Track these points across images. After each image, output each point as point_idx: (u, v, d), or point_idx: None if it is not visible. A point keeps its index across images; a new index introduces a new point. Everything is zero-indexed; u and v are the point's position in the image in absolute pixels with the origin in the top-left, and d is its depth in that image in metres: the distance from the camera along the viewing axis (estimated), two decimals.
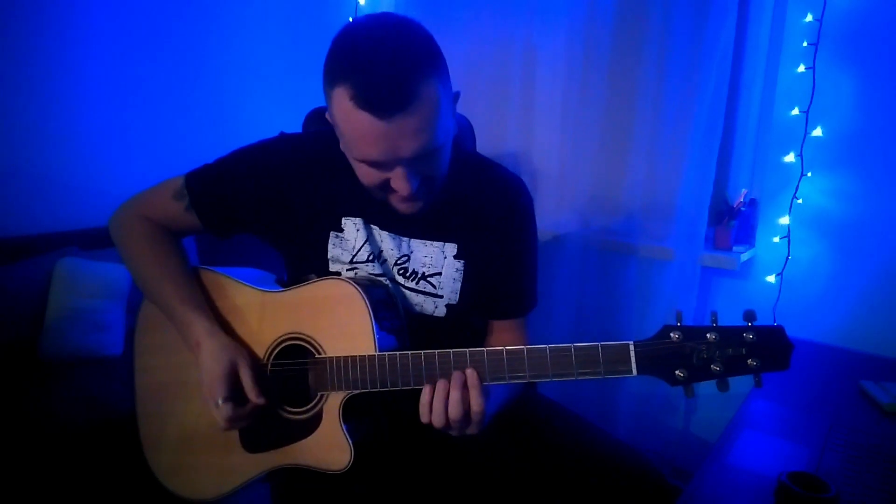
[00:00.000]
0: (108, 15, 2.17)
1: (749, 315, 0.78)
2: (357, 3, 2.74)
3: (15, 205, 2.02)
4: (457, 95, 0.94)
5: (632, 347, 0.79)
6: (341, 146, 0.92)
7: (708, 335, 0.77)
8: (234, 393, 0.92)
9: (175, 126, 2.41)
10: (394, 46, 0.80)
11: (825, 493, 0.80)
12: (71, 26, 2.09)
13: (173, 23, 2.36)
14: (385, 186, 0.89)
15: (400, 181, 0.86)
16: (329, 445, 0.91)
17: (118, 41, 2.21)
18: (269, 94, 2.69)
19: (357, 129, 0.81)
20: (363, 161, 0.86)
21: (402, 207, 0.93)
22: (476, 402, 0.83)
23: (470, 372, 0.84)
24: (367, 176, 0.89)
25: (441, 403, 0.84)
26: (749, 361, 0.76)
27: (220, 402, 0.90)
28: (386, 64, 0.78)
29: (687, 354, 0.77)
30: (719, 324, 0.78)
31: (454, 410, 0.83)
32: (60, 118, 2.11)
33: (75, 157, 2.15)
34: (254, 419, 0.94)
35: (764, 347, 0.76)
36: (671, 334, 0.78)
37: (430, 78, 0.81)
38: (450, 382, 0.84)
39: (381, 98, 0.78)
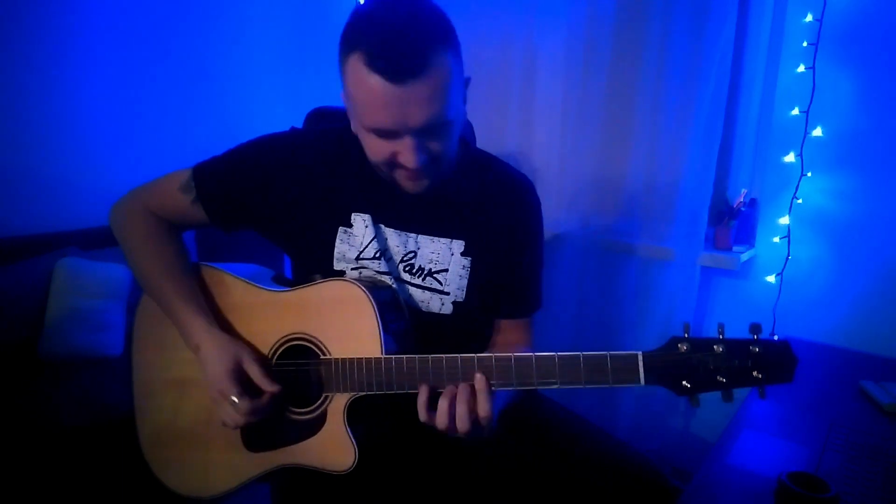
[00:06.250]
0: (109, 15, 2.17)
1: (755, 328, 0.78)
2: (357, 3, 2.73)
3: (15, 205, 2.02)
4: (467, 81, 0.94)
5: (640, 358, 0.79)
6: (353, 125, 0.91)
7: (715, 347, 0.77)
8: (244, 388, 0.91)
9: (175, 126, 2.41)
10: (409, 15, 0.81)
11: (825, 493, 0.80)
12: (71, 26, 2.09)
13: (174, 22, 2.36)
14: (392, 162, 0.89)
15: (407, 153, 0.86)
16: (333, 446, 0.91)
17: (119, 41, 2.21)
18: (270, 94, 2.69)
19: (368, 93, 0.82)
20: (373, 129, 0.86)
21: (409, 185, 0.93)
22: (484, 408, 0.82)
23: (479, 377, 0.83)
24: (376, 148, 0.88)
25: (445, 409, 0.83)
26: (754, 374, 0.76)
27: (234, 399, 0.90)
28: (401, 30, 0.80)
29: (693, 366, 0.78)
30: (726, 335, 0.78)
31: (462, 423, 0.83)
32: (61, 118, 2.11)
33: (75, 157, 2.15)
34: (269, 412, 0.94)
35: (769, 360, 0.76)
36: (679, 345, 0.79)
37: (444, 50, 0.82)
38: (457, 389, 0.84)
39: (394, 62, 0.79)
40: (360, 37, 0.81)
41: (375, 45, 0.79)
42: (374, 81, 0.80)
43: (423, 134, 0.85)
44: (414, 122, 0.83)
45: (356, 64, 0.81)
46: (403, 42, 0.79)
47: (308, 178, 1.02)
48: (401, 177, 0.92)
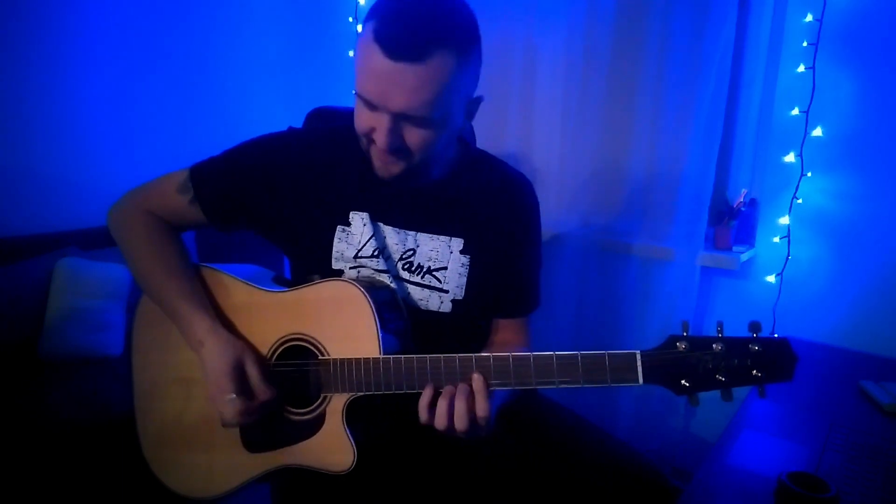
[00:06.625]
0: (109, 15, 2.17)
1: (755, 326, 0.78)
2: (357, 3, 2.74)
3: (15, 205, 2.03)
4: (477, 99, 0.95)
5: (638, 357, 0.79)
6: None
7: (714, 346, 0.77)
8: (242, 388, 0.91)
9: (175, 126, 2.42)
10: (432, 8, 0.84)
11: (825, 493, 0.80)
12: (71, 26, 2.09)
13: (174, 22, 2.36)
14: (370, 136, 0.91)
15: (381, 131, 0.87)
16: (332, 446, 0.91)
17: (118, 40, 2.21)
18: (270, 94, 2.69)
19: (365, 59, 0.85)
20: (360, 95, 0.88)
21: (378, 166, 0.94)
22: (482, 408, 0.82)
23: (476, 377, 0.84)
24: (360, 116, 0.90)
25: (444, 410, 0.83)
26: (754, 372, 0.76)
27: (229, 397, 0.90)
28: (416, 15, 0.82)
29: (692, 364, 0.78)
30: (725, 334, 0.78)
31: (460, 422, 0.83)
32: (60, 118, 2.11)
33: (75, 157, 2.16)
34: (262, 415, 0.94)
35: (769, 359, 0.76)
36: (677, 344, 0.78)
37: (450, 52, 0.83)
38: (455, 389, 0.84)
39: (395, 39, 0.81)
40: (378, 10, 0.85)
41: (387, 19, 0.82)
42: (373, 50, 0.83)
43: (401, 119, 0.87)
44: (393, 103, 0.84)
45: (367, 32, 0.85)
46: (412, 26, 0.81)
47: (306, 177, 1.02)
48: (374, 154, 0.93)
